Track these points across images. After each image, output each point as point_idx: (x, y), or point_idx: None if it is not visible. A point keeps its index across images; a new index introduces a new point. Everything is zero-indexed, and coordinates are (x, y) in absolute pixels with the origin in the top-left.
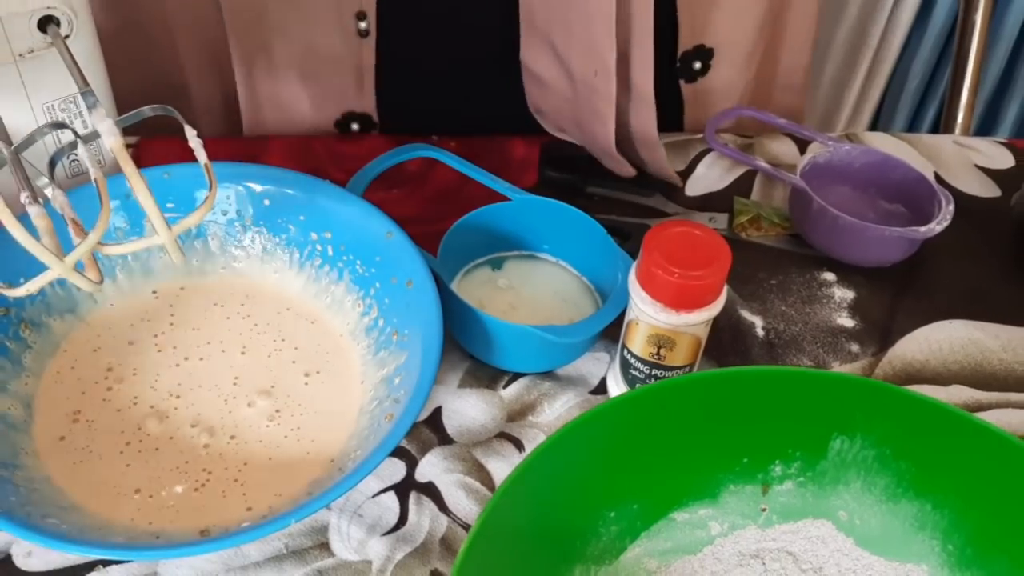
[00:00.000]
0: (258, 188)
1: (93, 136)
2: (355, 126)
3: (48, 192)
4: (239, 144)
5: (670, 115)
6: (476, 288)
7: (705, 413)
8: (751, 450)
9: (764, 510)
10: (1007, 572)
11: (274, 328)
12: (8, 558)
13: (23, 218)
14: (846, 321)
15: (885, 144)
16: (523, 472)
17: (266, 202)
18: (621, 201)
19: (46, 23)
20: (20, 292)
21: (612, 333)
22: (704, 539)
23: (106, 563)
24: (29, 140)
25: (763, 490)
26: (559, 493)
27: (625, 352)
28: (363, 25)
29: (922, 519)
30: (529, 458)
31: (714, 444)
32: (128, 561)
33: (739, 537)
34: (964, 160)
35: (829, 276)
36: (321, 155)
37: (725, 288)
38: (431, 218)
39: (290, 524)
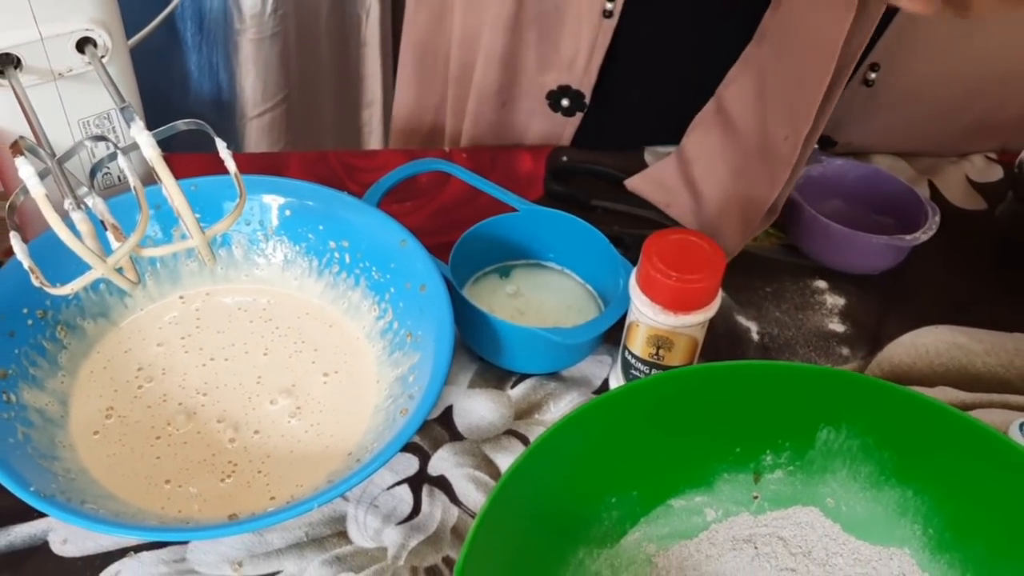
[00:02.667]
0: (280, 200)
1: (132, 147)
2: (565, 101)
3: (88, 200)
4: (259, 160)
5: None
6: (485, 295)
7: (700, 405)
8: (743, 440)
9: (756, 497)
10: (983, 554)
11: (295, 331)
12: (45, 544)
13: (66, 222)
14: (837, 326)
15: (882, 160)
16: (528, 458)
17: (287, 213)
18: (623, 213)
19: (84, 44)
20: (65, 290)
21: (614, 337)
22: (700, 524)
23: (137, 549)
24: (72, 151)
25: (755, 478)
26: (562, 479)
27: (626, 353)
28: (609, 6)
29: (904, 505)
30: (534, 445)
31: (709, 434)
32: (160, 546)
33: (732, 523)
34: (958, 173)
35: (821, 284)
36: (337, 169)
37: (720, 292)
38: (441, 230)
39: (313, 508)
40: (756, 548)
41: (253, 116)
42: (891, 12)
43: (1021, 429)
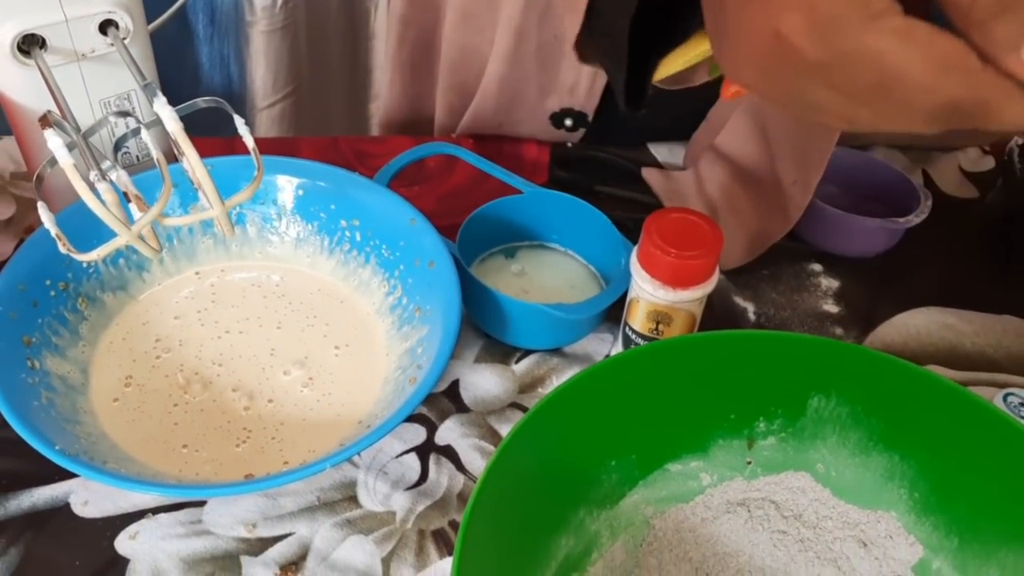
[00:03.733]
0: (293, 180)
1: (154, 123)
2: (568, 121)
3: (112, 175)
4: (271, 144)
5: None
6: (491, 274)
7: (696, 373)
8: (737, 408)
9: (749, 463)
10: (966, 515)
11: (307, 307)
12: (67, 506)
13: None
14: (831, 308)
15: (878, 150)
16: (530, 421)
17: (300, 193)
18: (624, 198)
19: (106, 26)
20: (90, 256)
21: (615, 316)
22: (696, 488)
23: (155, 511)
24: (97, 126)
25: (748, 444)
26: (563, 441)
27: (627, 328)
28: None
29: (891, 470)
30: (535, 408)
31: (704, 402)
32: (177, 508)
33: (727, 487)
34: (951, 163)
35: (816, 267)
36: (347, 154)
37: (717, 268)
38: (449, 213)
39: (326, 468)
40: (749, 511)
41: (263, 107)
42: None
43: (1005, 400)
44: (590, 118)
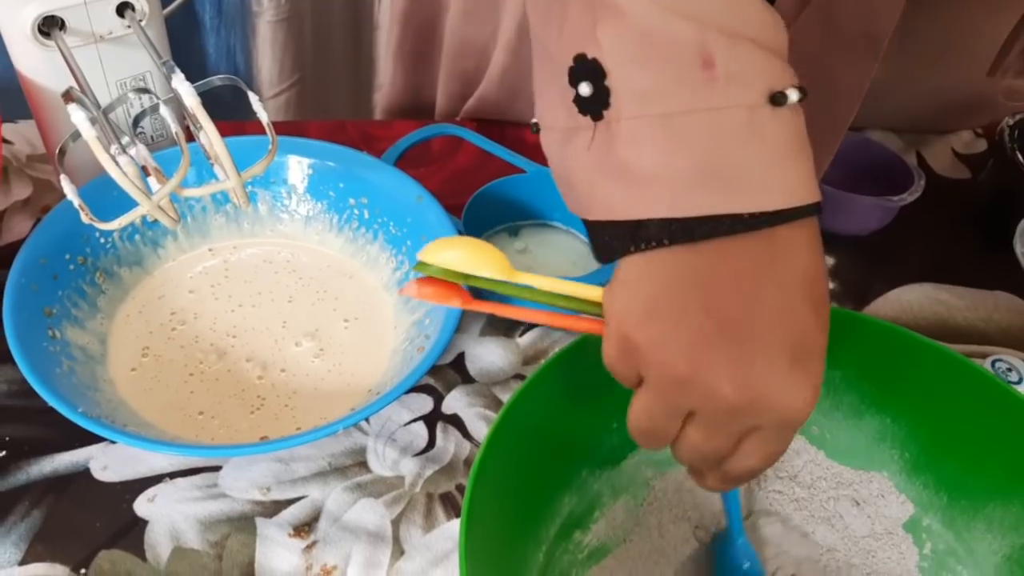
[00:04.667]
0: (303, 160)
1: (171, 100)
2: None
3: (131, 150)
4: (280, 127)
5: None
6: None
7: None
8: None
9: None
10: (954, 474)
11: (317, 282)
12: (87, 470)
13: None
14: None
15: (873, 133)
16: (533, 382)
17: (310, 172)
18: None
19: (123, 9)
20: (112, 225)
21: None
22: None
23: (172, 475)
24: (117, 102)
25: None
26: (566, 403)
27: None
28: None
29: (882, 432)
30: (539, 370)
31: None
32: (193, 473)
33: None
34: (944, 146)
35: None
36: (354, 136)
37: None
38: (454, 193)
39: (339, 430)
40: None
41: (269, 96)
42: None
43: (993, 365)
44: None
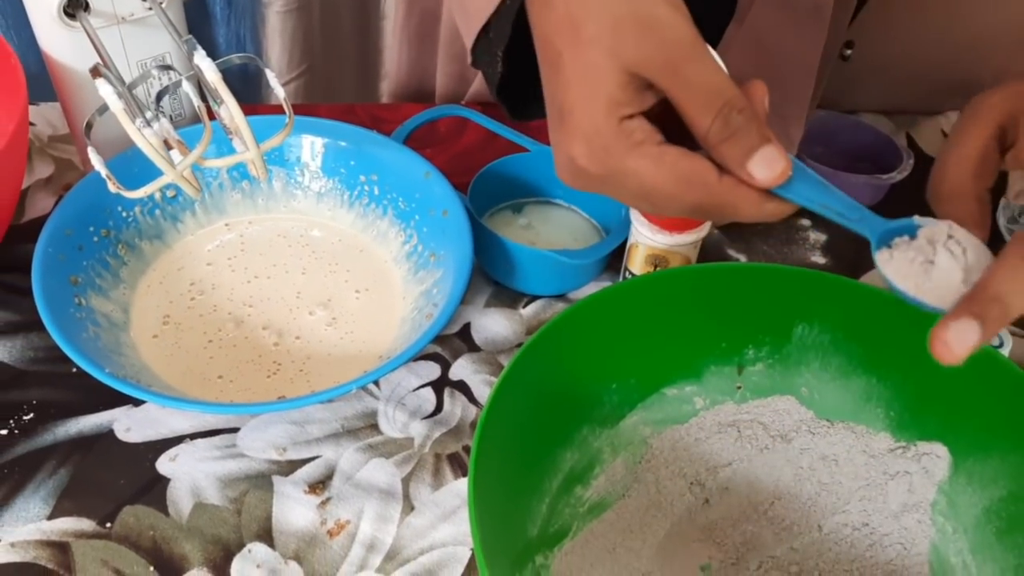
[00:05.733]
0: (316, 139)
1: (194, 76)
2: None
3: (155, 124)
4: (293, 108)
5: None
6: (499, 228)
7: (690, 303)
8: (728, 336)
9: (739, 388)
10: (935, 429)
11: (329, 255)
12: (111, 431)
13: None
14: (819, 259)
15: (864, 116)
16: (536, 343)
17: (322, 150)
18: None
19: None
20: (138, 193)
21: (615, 265)
22: (690, 411)
23: (192, 436)
24: (140, 79)
25: (738, 371)
26: (567, 363)
27: (627, 272)
28: None
29: (869, 391)
30: (541, 331)
31: (697, 330)
32: (212, 434)
33: (719, 410)
34: (934, 127)
35: (805, 222)
36: (364, 119)
37: None
38: (460, 171)
39: (352, 389)
40: (739, 431)
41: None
42: None
43: None
44: None
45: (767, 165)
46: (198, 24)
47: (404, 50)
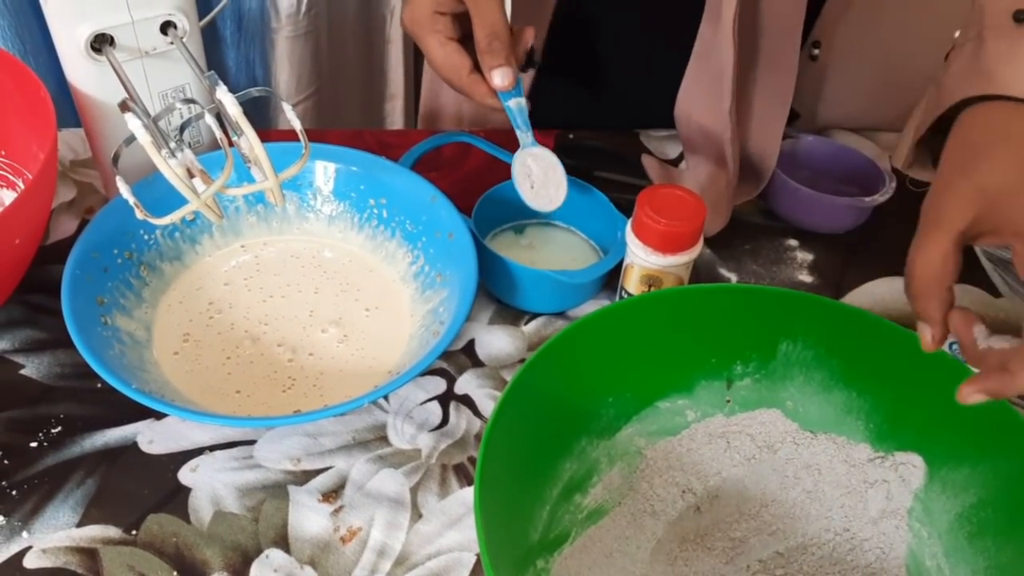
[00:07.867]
0: (327, 164)
1: (216, 108)
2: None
3: (179, 154)
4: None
5: None
6: (502, 248)
7: (681, 322)
8: (718, 353)
9: (728, 401)
10: (912, 440)
11: (340, 275)
12: (135, 444)
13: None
14: (806, 278)
15: (848, 139)
16: (537, 359)
17: (333, 175)
18: (622, 183)
19: (166, 27)
20: (164, 220)
21: (612, 284)
22: (682, 424)
23: (212, 448)
24: (165, 111)
25: (727, 385)
26: (566, 378)
27: (622, 291)
28: None
29: (849, 405)
30: (542, 348)
31: (689, 347)
32: (231, 446)
33: (709, 423)
34: None
35: (793, 242)
36: (371, 144)
37: (702, 237)
38: (464, 194)
39: (364, 404)
40: (728, 443)
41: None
42: None
43: (951, 347)
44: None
45: (501, 76)
46: (209, 48)
47: (430, 76)
